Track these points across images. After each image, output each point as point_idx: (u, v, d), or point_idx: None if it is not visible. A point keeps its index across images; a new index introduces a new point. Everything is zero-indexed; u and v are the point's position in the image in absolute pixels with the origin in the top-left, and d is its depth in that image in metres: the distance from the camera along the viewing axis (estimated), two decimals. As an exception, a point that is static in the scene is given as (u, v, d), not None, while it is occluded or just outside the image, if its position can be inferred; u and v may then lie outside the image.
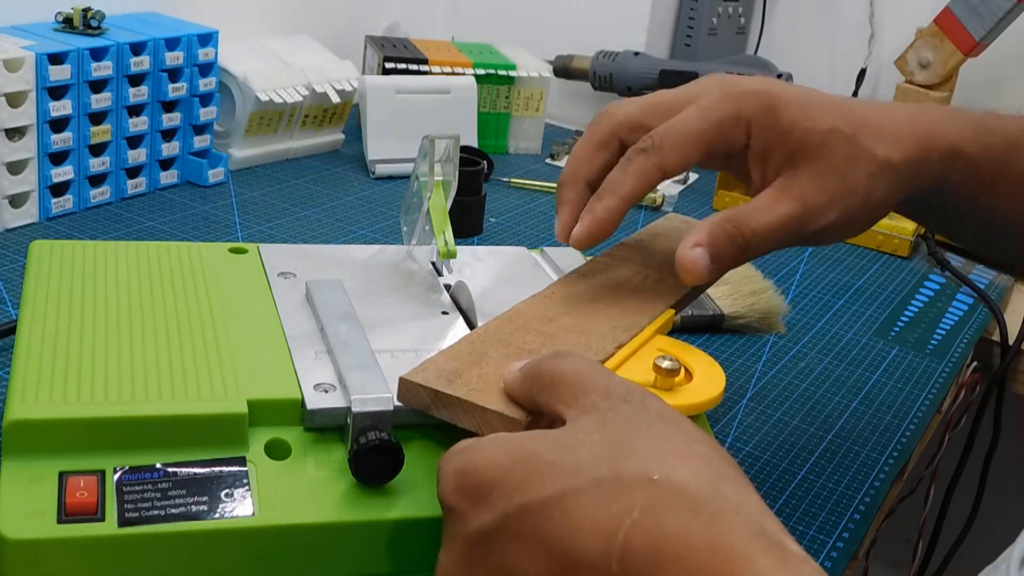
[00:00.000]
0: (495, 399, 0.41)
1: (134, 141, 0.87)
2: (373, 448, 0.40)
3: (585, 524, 0.33)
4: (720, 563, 0.31)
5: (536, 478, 0.34)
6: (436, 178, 0.55)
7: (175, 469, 0.40)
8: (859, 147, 0.49)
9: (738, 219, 0.48)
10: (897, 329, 0.83)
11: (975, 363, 0.84)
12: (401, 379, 0.42)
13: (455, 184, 0.56)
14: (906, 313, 0.86)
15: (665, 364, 0.44)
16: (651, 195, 1.00)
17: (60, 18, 0.83)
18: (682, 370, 0.45)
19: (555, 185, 1.02)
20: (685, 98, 0.51)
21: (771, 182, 0.50)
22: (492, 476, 0.35)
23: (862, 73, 1.31)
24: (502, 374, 0.42)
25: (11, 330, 0.62)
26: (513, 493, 0.34)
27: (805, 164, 0.49)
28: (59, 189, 0.82)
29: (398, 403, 0.43)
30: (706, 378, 0.46)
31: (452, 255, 0.54)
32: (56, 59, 0.78)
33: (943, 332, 0.83)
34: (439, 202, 0.55)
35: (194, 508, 0.39)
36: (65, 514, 0.37)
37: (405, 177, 1.01)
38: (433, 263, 0.57)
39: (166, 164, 0.91)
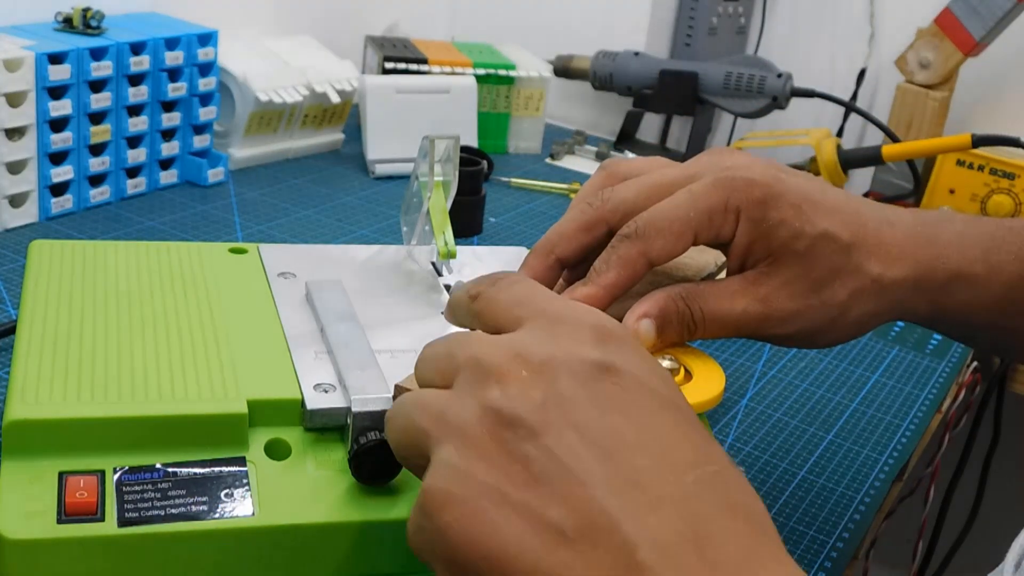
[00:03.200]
0: None
1: (134, 141, 0.87)
2: (373, 448, 0.40)
3: None
4: None
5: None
6: (436, 178, 0.55)
7: (175, 469, 0.40)
8: (850, 259, 0.46)
9: (693, 298, 0.46)
10: (897, 329, 0.83)
11: (975, 363, 0.84)
12: (397, 387, 0.42)
13: (455, 184, 0.56)
14: (906, 313, 0.86)
15: (664, 363, 0.44)
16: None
17: (60, 18, 0.83)
18: (682, 370, 0.45)
19: (556, 185, 1.02)
20: (683, 179, 0.47)
21: (746, 270, 0.47)
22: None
23: (862, 73, 1.31)
24: None
25: (11, 330, 0.62)
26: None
27: (783, 266, 0.46)
28: (59, 189, 0.82)
29: None
30: (706, 378, 0.45)
31: (452, 255, 0.54)
32: (56, 59, 0.78)
33: (943, 332, 0.83)
34: (439, 202, 0.55)
35: (194, 508, 0.39)
36: (65, 514, 0.37)
37: (405, 177, 1.01)
38: (433, 263, 0.57)
39: (166, 164, 0.90)
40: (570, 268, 0.49)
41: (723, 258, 0.49)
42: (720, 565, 0.30)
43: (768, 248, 0.46)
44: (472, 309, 0.39)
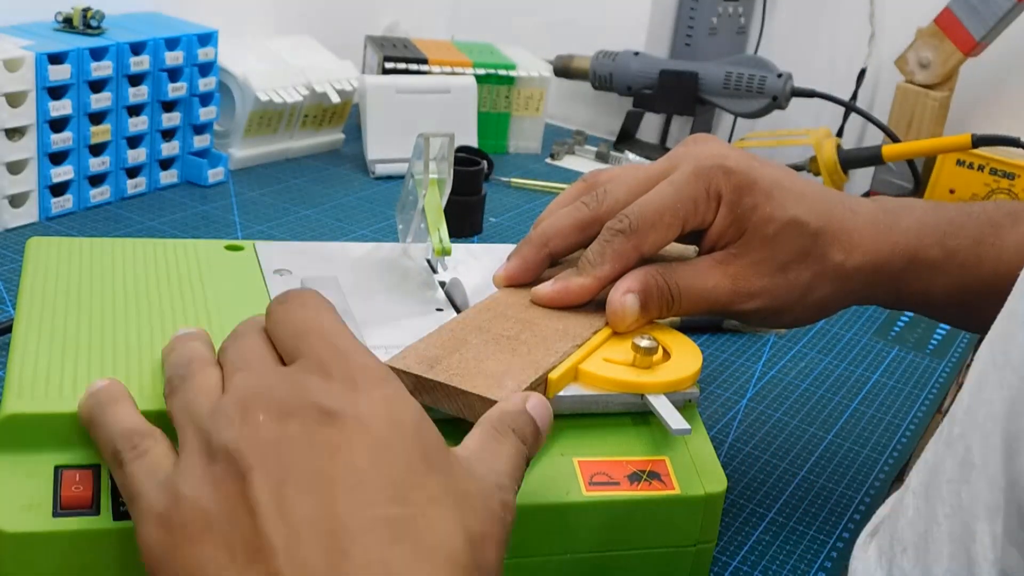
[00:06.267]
0: (476, 383, 0.42)
1: (134, 141, 0.87)
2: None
3: None
4: None
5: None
6: (431, 176, 0.55)
7: (170, 464, 0.40)
8: (815, 244, 0.49)
9: (668, 273, 0.48)
10: (897, 329, 0.83)
11: (975, 363, 0.84)
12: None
13: (450, 182, 0.56)
14: (906, 313, 0.86)
15: (644, 343, 0.45)
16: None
17: (60, 18, 0.84)
18: (660, 349, 0.46)
19: (556, 185, 1.02)
20: (666, 171, 0.50)
21: (717, 250, 0.50)
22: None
23: (862, 73, 1.31)
24: (482, 360, 0.43)
25: (10, 328, 0.62)
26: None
27: (752, 248, 0.49)
28: (59, 189, 0.82)
29: None
30: (683, 357, 0.47)
31: (447, 252, 0.54)
32: (56, 59, 0.78)
33: (943, 332, 0.83)
34: (434, 200, 0.55)
35: (188, 503, 0.39)
36: (60, 507, 0.37)
37: (405, 177, 1.01)
38: (428, 260, 0.57)
39: (166, 164, 0.91)
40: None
41: (693, 248, 0.52)
42: None
43: (740, 231, 0.49)
44: (266, 325, 0.39)
